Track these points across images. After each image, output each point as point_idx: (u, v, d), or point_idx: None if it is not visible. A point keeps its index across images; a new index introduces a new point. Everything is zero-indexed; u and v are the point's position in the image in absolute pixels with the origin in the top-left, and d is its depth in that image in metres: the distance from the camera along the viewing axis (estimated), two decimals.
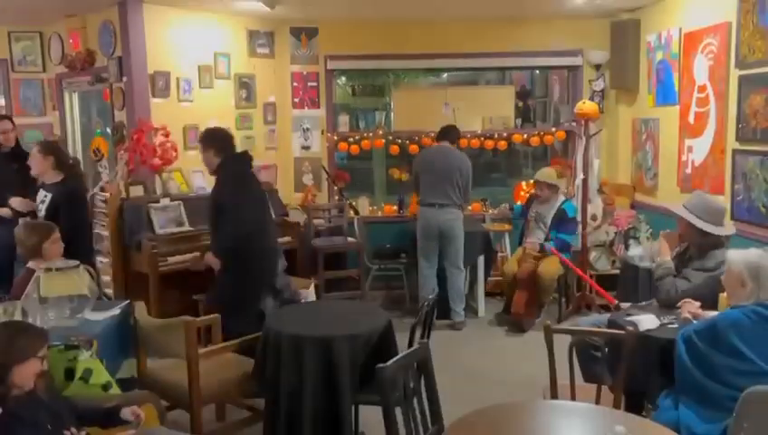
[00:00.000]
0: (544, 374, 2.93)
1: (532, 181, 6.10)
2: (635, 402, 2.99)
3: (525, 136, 6.76)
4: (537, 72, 7.82)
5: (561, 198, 5.77)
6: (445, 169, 5.48)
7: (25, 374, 2.34)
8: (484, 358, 4.96)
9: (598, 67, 6.61)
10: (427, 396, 2.55)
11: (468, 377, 4.54)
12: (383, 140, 6.80)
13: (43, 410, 2.40)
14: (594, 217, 5.95)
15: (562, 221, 5.62)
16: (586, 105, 5.85)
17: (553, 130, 6.85)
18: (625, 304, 3.84)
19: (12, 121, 5.03)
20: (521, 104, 7.25)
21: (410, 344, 3.20)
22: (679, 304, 3.16)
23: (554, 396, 2.87)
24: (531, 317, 5.55)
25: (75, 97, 6.51)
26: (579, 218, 5.79)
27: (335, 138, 6.80)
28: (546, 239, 5.61)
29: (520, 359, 4.88)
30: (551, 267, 5.45)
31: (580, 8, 5.93)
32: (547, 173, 5.80)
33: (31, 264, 3.48)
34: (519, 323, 5.47)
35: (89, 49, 5.85)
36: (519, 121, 6.87)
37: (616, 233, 5.94)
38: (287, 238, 5.90)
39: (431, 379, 2.55)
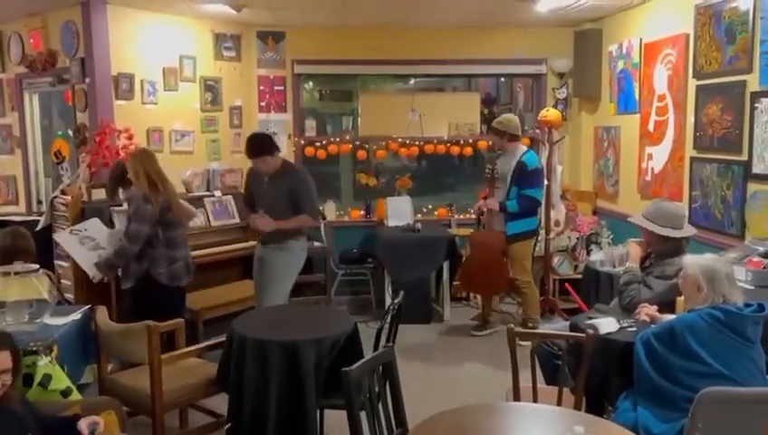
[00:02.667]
0: (507, 377, 2.97)
1: None
2: (595, 404, 3.05)
3: (490, 142, 6.83)
4: (502, 79, 7.92)
5: (523, 148, 5.34)
6: None
7: None
8: (448, 361, 5.00)
9: (561, 75, 6.74)
10: (391, 399, 2.56)
11: (433, 380, 4.57)
12: (350, 145, 6.81)
13: (9, 417, 2.35)
14: (557, 223, 6.05)
15: (523, 175, 5.16)
16: (550, 113, 5.96)
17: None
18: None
19: None
20: (486, 111, 7.33)
21: (376, 349, 3.21)
22: (638, 308, 3.23)
23: (517, 398, 2.91)
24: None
25: (36, 98, 6.38)
26: (545, 169, 5.45)
27: (302, 142, 6.79)
28: (508, 199, 5.22)
29: (484, 362, 4.94)
30: (519, 264, 5.32)
31: (545, 18, 6.03)
32: (499, 119, 5.38)
33: None
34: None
35: (50, 49, 5.75)
36: (484, 128, 6.95)
37: (578, 238, 6.05)
38: (253, 242, 5.86)
39: (396, 382, 2.57)
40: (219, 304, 5.02)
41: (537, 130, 6.56)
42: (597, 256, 5.32)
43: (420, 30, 6.58)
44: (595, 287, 4.96)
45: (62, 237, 4.40)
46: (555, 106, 6.53)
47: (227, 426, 3.24)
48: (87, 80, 5.36)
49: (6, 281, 3.19)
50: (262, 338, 3.17)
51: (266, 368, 3.11)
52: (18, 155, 6.33)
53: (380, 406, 2.52)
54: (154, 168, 4.05)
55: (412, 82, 8.24)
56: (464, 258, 5.71)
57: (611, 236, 5.90)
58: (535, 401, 2.85)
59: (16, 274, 3.20)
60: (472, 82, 8.07)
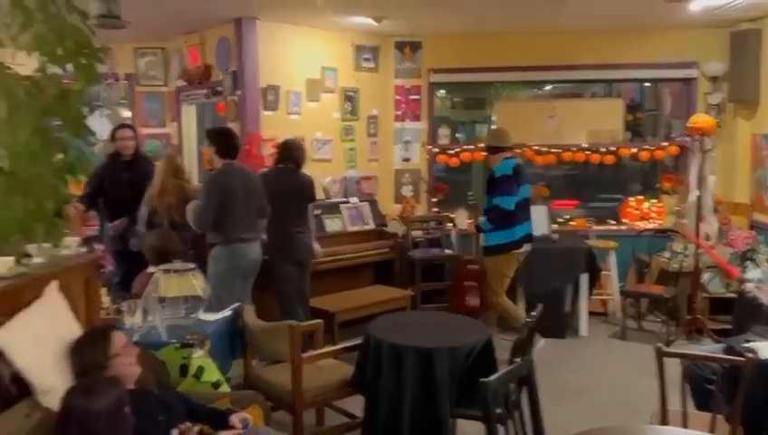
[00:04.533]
0: (651, 397, 2.81)
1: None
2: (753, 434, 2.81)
3: (634, 150, 6.54)
4: (648, 84, 7.54)
5: (503, 156, 4.92)
6: None
7: (124, 365, 2.43)
8: (587, 377, 4.81)
9: (714, 79, 6.29)
10: (530, 414, 2.51)
11: (568, 397, 4.41)
12: (483, 153, 6.75)
13: (155, 402, 2.54)
14: (708, 237, 5.65)
15: (490, 183, 4.90)
16: (701, 119, 5.58)
17: (665, 144, 6.58)
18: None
19: (133, 129, 5.18)
20: (630, 117, 7.00)
21: (511, 360, 3.16)
22: None
23: (664, 422, 2.74)
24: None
25: (192, 109, 6.91)
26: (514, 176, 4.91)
27: (435, 150, 6.83)
28: (483, 213, 4.99)
29: (625, 380, 4.70)
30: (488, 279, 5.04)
31: (697, 19, 5.68)
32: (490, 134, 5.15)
33: (151, 268, 3.71)
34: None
35: (206, 64, 6.20)
36: (628, 135, 6.64)
37: (731, 254, 5.60)
38: (384, 249, 6.01)
39: (535, 396, 2.51)
40: (353, 307, 5.15)
41: (687, 138, 6.17)
42: (753, 273, 4.92)
43: (558, 35, 6.42)
44: (751, 309, 4.57)
45: None
46: (707, 112, 6.10)
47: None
48: (238, 92, 5.73)
49: (167, 278, 3.47)
50: (397, 343, 3.21)
51: (401, 373, 3.14)
52: None
53: (518, 419, 2.47)
54: None
55: (548, 88, 8.05)
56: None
57: None
58: (685, 426, 2.67)
59: (176, 271, 3.47)
60: (613, 87, 7.74)
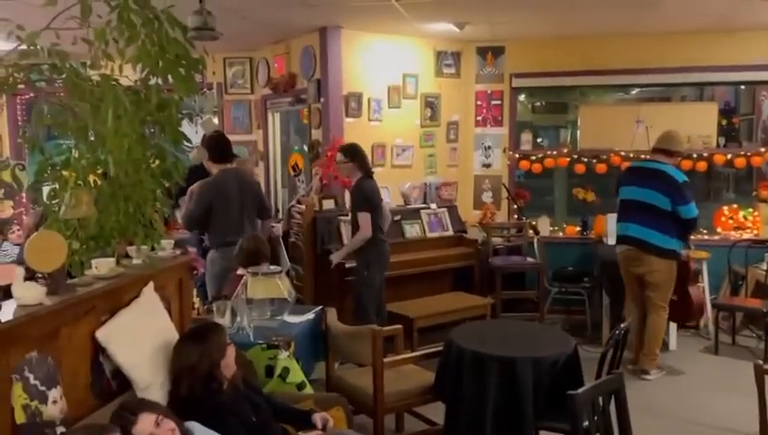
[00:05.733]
0: (746, 417, 2.67)
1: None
2: None
3: (729, 156, 6.23)
4: (743, 87, 7.16)
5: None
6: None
7: (230, 364, 2.58)
8: (676, 393, 4.61)
9: None
10: (618, 428, 2.43)
11: (660, 413, 4.24)
12: (567, 159, 6.62)
13: (247, 403, 2.62)
14: None
15: (677, 189, 4.72)
16: None
17: (762, 150, 6.23)
18: None
19: None
20: (724, 122, 6.67)
21: (599, 373, 3.07)
22: None
23: None
24: None
25: (277, 116, 7.10)
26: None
27: (517, 156, 6.74)
28: None
29: (717, 398, 4.47)
30: None
31: None
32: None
33: (240, 271, 3.84)
34: None
35: (291, 72, 6.35)
36: (722, 141, 6.34)
37: None
38: (464, 256, 5.97)
39: (625, 412, 2.43)
40: (432, 314, 5.14)
41: None
42: None
43: (644, 37, 6.20)
44: None
45: None
46: None
47: None
48: (321, 99, 5.85)
49: (254, 281, 3.58)
50: (480, 351, 3.18)
51: (483, 382, 3.11)
52: (261, 167, 7.08)
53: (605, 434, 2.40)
54: None
55: (635, 92, 7.80)
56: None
57: None
58: None
59: (263, 274, 3.58)
60: (705, 90, 7.41)
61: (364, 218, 4.57)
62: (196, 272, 3.24)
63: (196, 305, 3.57)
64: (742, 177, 7.01)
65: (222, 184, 4.49)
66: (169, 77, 2.40)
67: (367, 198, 4.61)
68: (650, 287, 4.87)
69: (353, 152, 4.75)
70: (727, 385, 4.66)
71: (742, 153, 6.26)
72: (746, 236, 6.10)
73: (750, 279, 5.74)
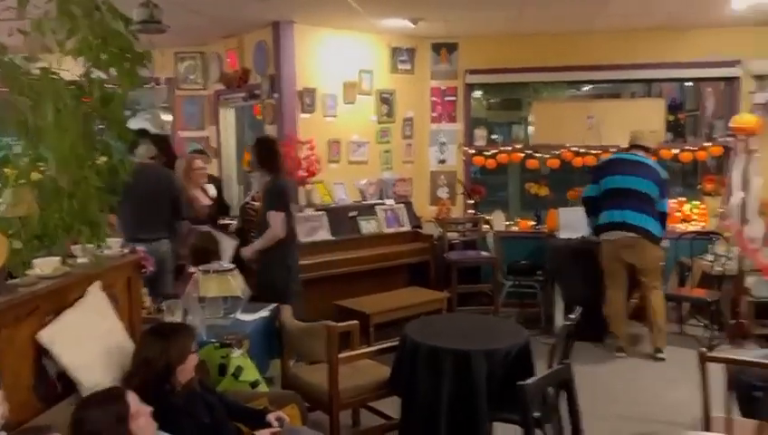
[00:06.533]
0: (693, 403, 2.75)
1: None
2: None
3: (675, 151, 6.40)
4: (689, 83, 7.38)
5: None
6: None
7: (188, 370, 2.53)
8: (626, 382, 4.73)
9: (760, 78, 6.11)
10: (569, 417, 2.47)
11: (610, 401, 4.34)
12: (521, 154, 6.70)
13: (201, 404, 2.58)
14: (753, 240, 5.49)
15: (663, 186, 5.09)
16: (745, 119, 5.46)
17: (707, 145, 6.43)
18: None
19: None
20: (671, 118, 6.86)
21: (550, 364, 3.12)
22: None
23: (707, 429, 2.68)
24: None
25: (230, 112, 7.00)
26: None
27: (471, 152, 6.80)
28: None
29: (665, 386, 4.60)
30: None
31: (740, 16, 5.53)
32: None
33: (191, 268, 3.78)
34: None
35: (244, 67, 6.27)
36: (670, 136, 6.51)
37: None
38: (420, 251, 6.00)
39: (574, 401, 2.47)
40: (389, 309, 5.14)
41: (729, 139, 6.02)
42: None
43: (597, 35, 6.33)
44: None
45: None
46: (752, 112, 5.94)
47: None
48: (275, 95, 5.79)
49: (206, 279, 3.52)
50: (434, 345, 3.20)
51: (438, 375, 3.13)
52: (215, 164, 6.97)
53: (556, 423, 2.44)
54: None
55: (586, 88, 7.95)
56: None
57: None
58: (729, 433, 2.60)
59: (215, 272, 3.53)
60: (653, 87, 7.60)
61: (276, 217, 4.40)
62: (145, 270, 3.17)
63: (147, 305, 3.50)
64: (688, 171, 7.22)
65: (131, 179, 4.32)
66: (113, 70, 2.34)
67: (280, 196, 4.46)
68: (643, 272, 5.06)
69: (268, 148, 4.62)
70: (675, 373, 4.80)
71: (688, 148, 6.45)
72: (692, 228, 6.28)
73: (696, 270, 5.92)
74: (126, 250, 3.05)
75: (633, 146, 5.21)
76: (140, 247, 3.18)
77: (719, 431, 2.63)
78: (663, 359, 5.05)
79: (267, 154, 4.56)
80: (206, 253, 3.82)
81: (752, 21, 5.81)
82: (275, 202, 4.43)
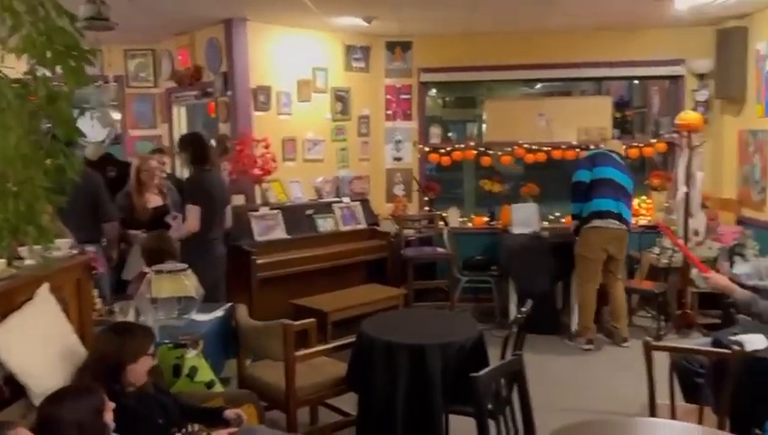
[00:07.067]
0: (641, 391, 2.85)
1: None
2: (741, 427, 2.84)
3: (623, 149, 6.56)
4: (636, 82, 7.60)
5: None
6: None
7: (139, 372, 2.50)
8: (578, 372, 4.86)
9: (701, 77, 6.35)
10: (521, 408, 2.54)
11: (560, 390, 4.46)
12: (474, 152, 6.80)
13: (154, 404, 2.55)
14: (696, 233, 5.70)
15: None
16: (689, 116, 5.64)
17: (653, 141, 6.64)
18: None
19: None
20: (618, 115, 7.05)
21: (503, 357, 3.19)
22: None
23: (653, 414, 2.78)
24: None
25: (183, 110, 6.91)
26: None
27: (426, 149, 6.86)
28: None
29: (615, 374, 4.75)
30: None
31: (684, 17, 5.72)
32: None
33: (144, 269, 3.72)
34: None
35: (196, 65, 6.20)
36: (617, 133, 6.69)
37: (720, 249, 5.65)
38: (377, 249, 6.03)
39: (525, 391, 2.53)
40: (346, 307, 5.16)
41: (675, 135, 6.22)
42: (742, 268, 4.97)
43: (548, 34, 6.46)
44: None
45: None
46: (694, 109, 6.16)
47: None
48: (229, 93, 5.74)
49: (159, 279, 3.48)
50: (390, 340, 3.24)
51: (394, 370, 3.17)
52: (167, 163, 6.85)
53: (508, 413, 2.50)
54: None
55: (538, 86, 8.10)
56: None
57: (758, 248, 5.46)
58: (673, 418, 2.70)
59: (168, 272, 3.48)
60: (602, 85, 7.80)
61: (192, 212, 4.36)
62: (95, 272, 3.11)
63: (98, 307, 3.44)
64: (635, 166, 7.41)
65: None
66: (58, 68, 2.29)
67: (199, 190, 4.42)
68: (616, 264, 5.28)
69: (189, 141, 4.62)
70: (625, 363, 4.95)
71: (635, 144, 6.64)
72: (640, 222, 6.47)
73: (644, 263, 6.10)
74: (75, 251, 2.99)
75: (607, 144, 5.51)
76: (90, 248, 3.12)
77: (664, 417, 2.73)
78: (628, 346, 5.22)
79: (195, 149, 4.53)
80: (159, 253, 3.76)
81: (694, 21, 6.01)
82: (193, 195, 4.42)
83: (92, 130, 5.26)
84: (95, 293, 3.36)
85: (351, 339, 3.52)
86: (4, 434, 1.90)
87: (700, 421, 2.62)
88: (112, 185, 4.82)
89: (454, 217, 6.78)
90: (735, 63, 5.92)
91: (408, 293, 5.80)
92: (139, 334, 2.57)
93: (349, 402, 3.66)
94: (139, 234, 4.60)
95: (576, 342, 5.37)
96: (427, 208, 6.78)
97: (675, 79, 6.57)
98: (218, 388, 3.18)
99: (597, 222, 5.19)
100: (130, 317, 3.28)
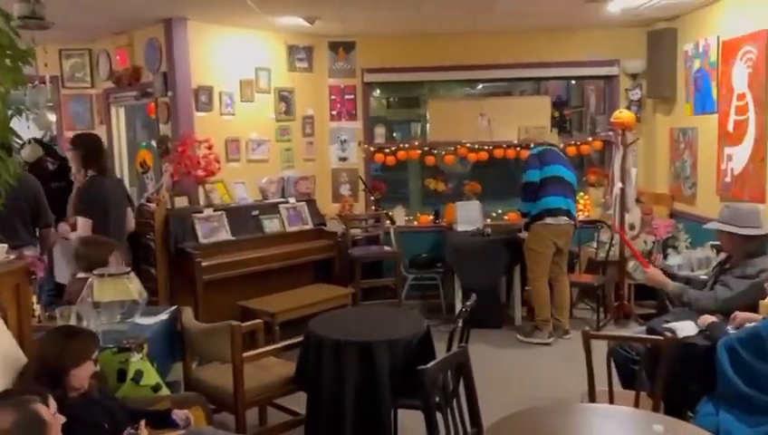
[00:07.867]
0: (582, 380, 2.96)
1: None
2: (674, 409, 2.99)
3: (562, 146, 6.76)
4: (573, 82, 7.83)
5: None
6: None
7: (81, 377, 2.46)
8: (522, 364, 4.99)
9: (634, 76, 6.60)
10: (467, 399, 2.60)
11: (505, 383, 4.57)
12: (419, 151, 6.88)
13: (98, 409, 2.51)
14: (632, 227, 5.93)
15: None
16: (623, 114, 5.86)
17: (590, 139, 6.87)
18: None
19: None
20: (557, 114, 7.26)
21: (449, 350, 3.25)
22: (733, 315, 3.11)
23: (592, 401, 2.89)
24: None
25: (122, 111, 6.75)
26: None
27: (371, 149, 6.91)
28: None
29: (557, 366, 4.90)
30: None
31: (617, 18, 5.94)
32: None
33: (82, 274, 3.63)
34: None
35: (135, 65, 6.07)
36: (555, 131, 6.87)
37: (654, 242, 5.89)
38: (324, 249, 6.04)
39: (470, 382, 2.60)
40: (294, 307, 5.14)
41: (610, 133, 6.45)
42: (674, 260, 5.19)
43: (488, 35, 6.60)
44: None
45: None
46: (628, 108, 6.40)
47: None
48: (169, 93, 5.64)
49: (101, 283, 3.40)
50: (338, 338, 3.26)
51: (342, 368, 3.20)
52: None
53: (455, 405, 2.56)
54: None
55: (480, 87, 8.25)
56: None
57: (689, 240, 5.72)
58: (611, 403, 2.82)
59: (110, 275, 3.41)
60: (541, 85, 8.00)
61: (83, 224, 4.21)
62: (35, 276, 3.02)
63: (37, 313, 3.34)
64: (574, 164, 7.63)
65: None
66: None
67: (93, 202, 4.26)
68: (561, 256, 5.48)
69: (83, 142, 4.45)
70: (566, 353, 5.11)
71: (573, 142, 6.85)
72: (579, 218, 6.66)
73: (583, 257, 6.31)
74: (12, 256, 2.90)
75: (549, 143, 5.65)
76: (29, 252, 3.03)
77: (603, 403, 2.85)
78: (570, 338, 5.40)
79: (87, 151, 4.39)
80: (93, 259, 3.67)
81: (627, 23, 6.25)
82: (85, 208, 4.26)
83: (29, 132, 5.08)
84: (34, 299, 3.26)
85: (299, 339, 3.54)
86: (27, 409, 1.99)
87: (636, 405, 2.74)
88: (53, 177, 4.69)
89: (400, 215, 6.85)
90: (665, 64, 6.18)
91: (355, 292, 5.84)
92: (85, 339, 2.54)
93: (298, 402, 3.67)
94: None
95: (536, 336, 5.45)
96: (373, 208, 6.83)
97: (609, 79, 6.80)
98: (165, 391, 3.14)
99: (549, 220, 5.36)
100: (72, 322, 3.20)
